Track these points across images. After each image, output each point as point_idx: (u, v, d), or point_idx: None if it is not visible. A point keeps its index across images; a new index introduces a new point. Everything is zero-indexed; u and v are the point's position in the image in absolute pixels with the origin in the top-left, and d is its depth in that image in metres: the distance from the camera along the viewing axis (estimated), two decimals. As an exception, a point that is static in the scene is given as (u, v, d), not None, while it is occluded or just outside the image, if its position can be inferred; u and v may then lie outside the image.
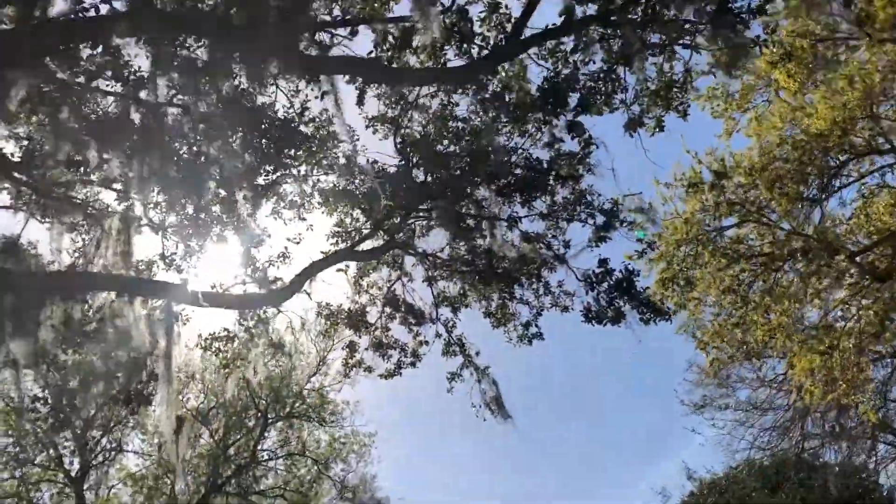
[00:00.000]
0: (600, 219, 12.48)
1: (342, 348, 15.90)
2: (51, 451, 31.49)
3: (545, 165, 12.24)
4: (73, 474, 31.49)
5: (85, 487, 31.63)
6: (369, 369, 16.01)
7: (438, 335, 14.99)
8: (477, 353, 14.95)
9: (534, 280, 14.37)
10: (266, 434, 34.86)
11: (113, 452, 33.43)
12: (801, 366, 15.06)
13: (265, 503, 35.64)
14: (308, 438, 35.03)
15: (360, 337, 15.83)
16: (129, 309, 9.80)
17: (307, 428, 35.04)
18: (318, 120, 12.00)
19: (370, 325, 15.71)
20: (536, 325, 14.59)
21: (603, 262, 12.84)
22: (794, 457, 29.41)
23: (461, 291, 15.44)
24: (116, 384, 14.58)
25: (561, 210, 12.68)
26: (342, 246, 13.64)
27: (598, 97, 10.76)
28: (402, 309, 15.77)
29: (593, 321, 13.07)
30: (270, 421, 34.31)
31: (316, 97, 11.16)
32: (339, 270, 14.38)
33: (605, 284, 12.70)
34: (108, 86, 10.62)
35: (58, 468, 31.61)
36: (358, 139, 12.33)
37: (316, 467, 34.96)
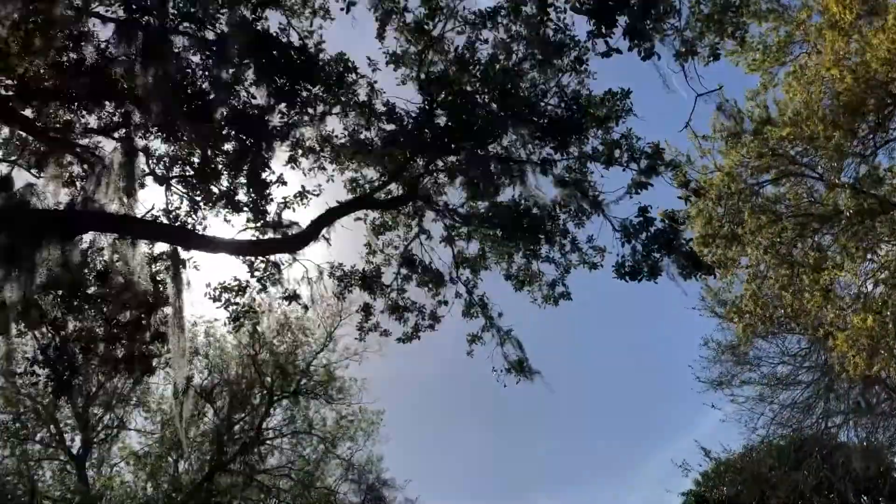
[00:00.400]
0: (642, 163, 11.52)
1: (356, 310, 14.96)
2: (52, 427, 30.73)
3: (580, 104, 11.26)
4: (74, 452, 30.78)
5: (87, 465, 30.91)
6: (386, 333, 15.14)
7: (458, 295, 14.11)
8: (500, 315, 14.07)
9: (560, 236, 13.48)
10: (272, 412, 34.09)
11: (115, 430, 32.64)
12: (847, 334, 14.15)
13: (271, 482, 34.82)
14: (314, 416, 34.23)
15: (374, 299, 14.95)
16: (132, 252, 8.90)
17: (313, 406, 34.24)
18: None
19: (386, 286, 14.82)
20: (563, 284, 13.71)
21: (643, 210, 11.89)
22: (816, 434, 28.61)
23: (481, 251, 14.57)
24: (119, 346, 13.78)
25: (598, 154, 11.71)
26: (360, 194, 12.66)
27: (650, 18, 9.73)
28: (420, 269, 14.89)
29: (626, 277, 12.14)
30: (276, 398, 33.52)
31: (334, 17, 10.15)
32: (357, 220, 13.44)
33: (644, 235, 11.77)
34: (108, 11, 9.68)
35: (59, 445, 30.87)
36: (378, 73, 11.38)
37: (322, 445, 34.18)
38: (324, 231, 11.83)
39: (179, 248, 10.22)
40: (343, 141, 12.98)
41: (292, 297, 13.46)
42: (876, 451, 30.09)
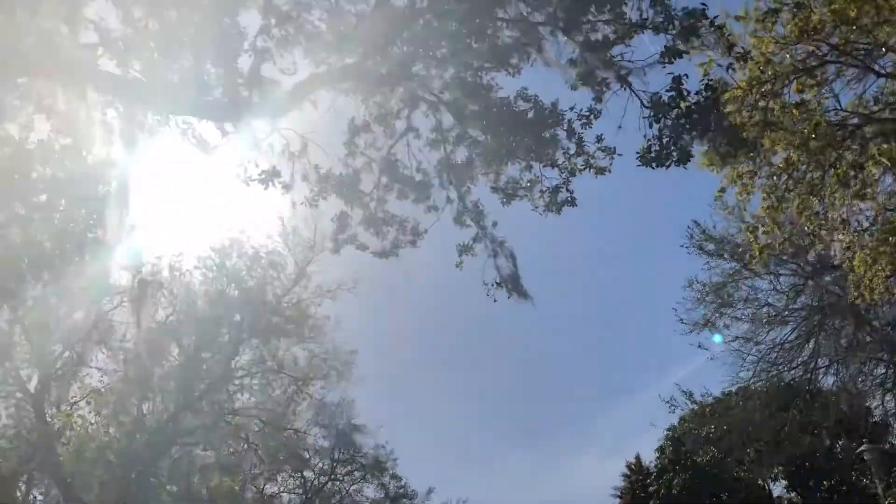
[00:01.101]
0: (678, 24, 9.93)
1: (331, 219, 13.50)
2: (6, 363, 29.03)
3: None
4: (31, 389, 29.21)
5: (45, 404, 29.34)
6: (363, 247, 13.70)
7: (450, 200, 12.67)
8: (494, 224, 12.70)
9: (566, 137, 12.06)
10: (241, 351, 32.71)
11: (74, 367, 31.00)
12: (865, 254, 13.13)
13: (240, 423, 33.60)
14: (285, 356, 32.88)
15: (352, 209, 13.47)
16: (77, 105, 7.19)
17: (284, 344, 32.87)
18: None
19: (364, 194, 13.34)
20: (568, 190, 12.32)
21: (677, 80, 10.29)
22: (801, 377, 28.02)
23: (472, 156, 13.11)
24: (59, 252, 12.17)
25: (626, 22, 10.13)
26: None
27: None
28: (402, 178, 13.42)
29: (653, 163, 10.73)
30: (245, 337, 32.14)
31: None
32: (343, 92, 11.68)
33: (676, 112, 10.30)
34: None
35: (15, 382, 29.26)
36: None
37: (294, 386, 32.93)
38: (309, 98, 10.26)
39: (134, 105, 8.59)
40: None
41: (271, 175, 11.86)
42: (859, 394, 29.65)
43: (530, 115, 11.99)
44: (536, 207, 12.64)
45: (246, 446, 36.42)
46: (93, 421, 30.99)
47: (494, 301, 12.76)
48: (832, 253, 17.53)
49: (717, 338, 28.92)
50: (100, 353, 31.45)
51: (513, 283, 12.37)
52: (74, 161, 11.20)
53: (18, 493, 29.37)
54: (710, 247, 29.12)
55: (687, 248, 29.25)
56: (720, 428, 32.91)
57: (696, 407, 33.44)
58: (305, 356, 32.74)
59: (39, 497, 31.08)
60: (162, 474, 32.47)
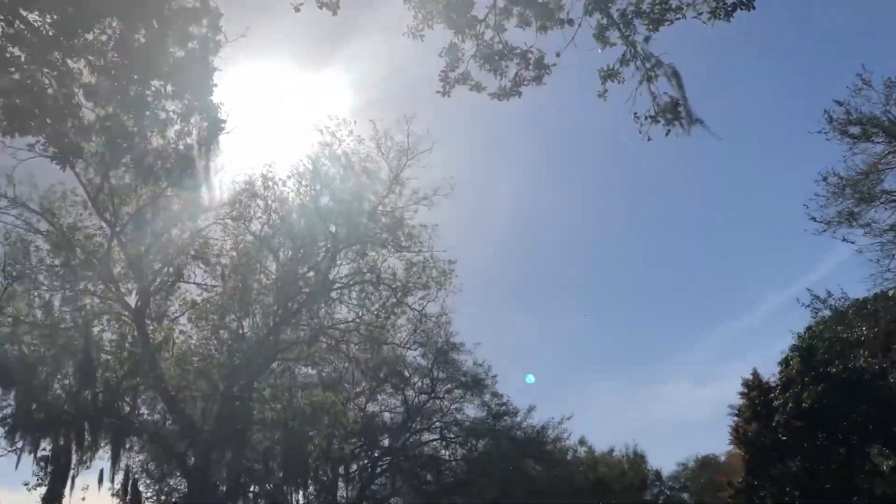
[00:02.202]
0: None
1: (439, 55, 11.40)
2: (108, 279, 28.76)
3: None
4: (133, 305, 28.92)
5: (145, 319, 29.04)
6: (478, 87, 11.63)
7: (589, 11, 10.30)
8: (646, 39, 10.35)
9: None
10: (338, 262, 31.49)
11: (173, 283, 30.54)
12: None
13: (338, 338, 32.68)
14: (383, 267, 31.46)
15: (463, 40, 11.34)
16: None
17: (381, 255, 31.42)
18: None
19: (478, 20, 11.16)
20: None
21: None
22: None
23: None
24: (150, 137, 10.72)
25: None
26: None
27: None
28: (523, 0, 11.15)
29: None
30: (342, 248, 30.83)
31: None
32: None
33: None
34: None
35: (116, 298, 29.02)
36: None
37: (393, 298, 31.54)
38: None
39: None
40: None
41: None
42: None
43: None
44: (699, 15, 10.16)
45: (347, 363, 35.73)
46: (193, 336, 30.63)
47: (648, 140, 10.53)
48: None
49: None
50: (197, 269, 30.99)
51: (678, 110, 10.05)
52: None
53: (126, 406, 29.43)
54: (855, 129, 25.83)
55: (825, 133, 26.03)
56: (857, 335, 29.86)
57: (828, 314, 30.42)
58: (403, 267, 31.19)
59: (145, 411, 31.11)
60: (264, 389, 32.02)
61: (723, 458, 70.19)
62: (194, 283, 30.91)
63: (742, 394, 38.14)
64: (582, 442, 53.99)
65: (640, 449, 62.16)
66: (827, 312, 29.57)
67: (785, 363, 34.60)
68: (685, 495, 73.10)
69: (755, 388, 37.13)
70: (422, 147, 29.41)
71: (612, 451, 61.08)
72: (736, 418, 39.20)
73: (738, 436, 37.26)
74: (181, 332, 30.60)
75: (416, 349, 40.67)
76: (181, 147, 11.75)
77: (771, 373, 37.40)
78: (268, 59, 29.19)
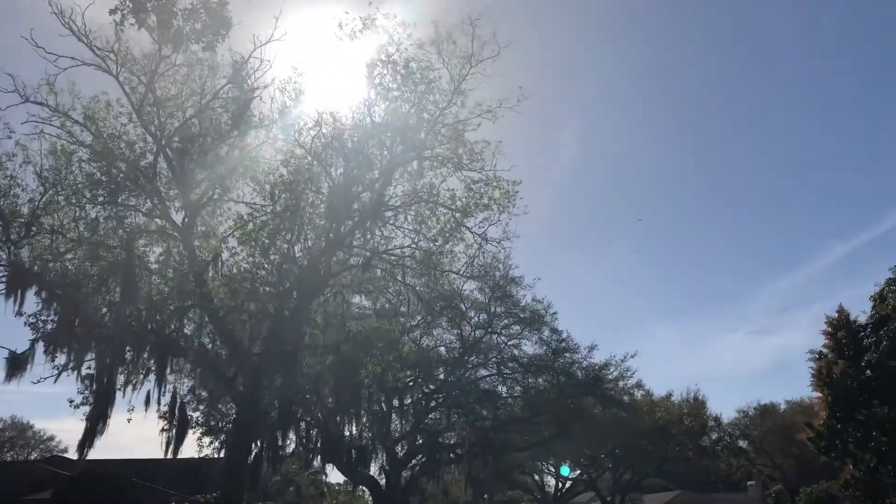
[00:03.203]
0: None
1: None
2: (154, 196, 27.18)
3: None
4: (178, 222, 27.37)
5: (192, 237, 27.50)
6: None
7: None
8: None
9: None
10: (393, 181, 29.23)
11: (220, 200, 28.85)
12: None
13: (393, 262, 30.68)
14: (441, 186, 29.08)
15: None
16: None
17: (439, 174, 29.03)
18: None
19: None
20: None
21: None
22: None
23: None
24: None
25: None
26: None
27: None
28: None
29: None
30: (397, 164, 28.53)
31: None
32: None
33: None
34: None
35: (162, 215, 27.48)
36: None
37: (453, 220, 29.13)
38: None
39: None
40: None
41: None
42: None
43: None
44: None
45: (402, 292, 33.70)
46: (241, 255, 28.99)
47: None
48: None
49: None
50: (246, 187, 29.20)
51: None
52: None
53: (173, 326, 28.07)
54: None
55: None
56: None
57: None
58: (463, 187, 28.73)
59: (192, 331, 29.69)
60: (313, 314, 30.39)
61: (783, 407, 67.32)
62: (243, 202, 29.20)
63: (827, 332, 35.24)
64: (639, 385, 51.86)
65: (702, 394, 59.80)
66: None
67: (880, 298, 31.58)
68: (743, 443, 70.84)
69: (842, 326, 34.22)
70: (486, 53, 26.78)
71: (670, 395, 58.92)
72: (817, 361, 36.41)
73: (821, 377, 34.50)
74: (230, 251, 29.08)
75: (473, 282, 38.66)
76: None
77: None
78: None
